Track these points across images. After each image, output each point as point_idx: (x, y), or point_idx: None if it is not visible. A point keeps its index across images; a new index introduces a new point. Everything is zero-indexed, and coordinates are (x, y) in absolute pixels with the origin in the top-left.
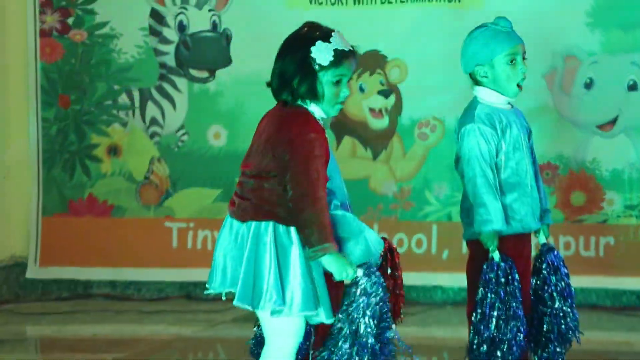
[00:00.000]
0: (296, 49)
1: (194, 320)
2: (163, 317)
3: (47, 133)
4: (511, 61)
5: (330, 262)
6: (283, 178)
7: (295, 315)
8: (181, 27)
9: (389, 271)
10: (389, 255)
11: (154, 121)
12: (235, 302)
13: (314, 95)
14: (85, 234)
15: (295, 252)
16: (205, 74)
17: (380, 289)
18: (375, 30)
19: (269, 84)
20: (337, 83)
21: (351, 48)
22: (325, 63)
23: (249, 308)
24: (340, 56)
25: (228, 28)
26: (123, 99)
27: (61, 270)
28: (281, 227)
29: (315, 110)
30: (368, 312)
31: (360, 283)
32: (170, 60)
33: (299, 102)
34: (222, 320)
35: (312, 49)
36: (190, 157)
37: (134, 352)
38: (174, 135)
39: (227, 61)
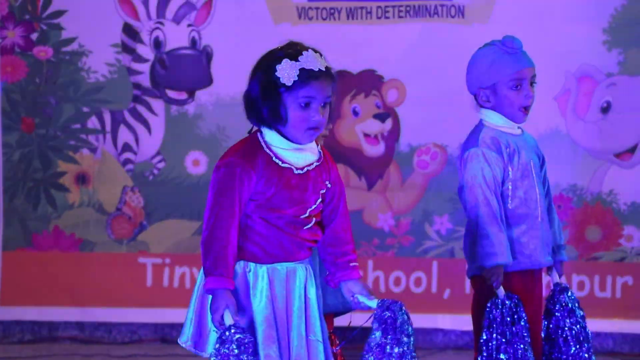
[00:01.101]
0: (263, 68)
1: None
2: None
3: (8, 159)
4: (516, 86)
5: (211, 299)
6: None
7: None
8: (157, 44)
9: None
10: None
11: (126, 147)
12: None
13: (278, 118)
14: (50, 271)
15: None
16: (183, 96)
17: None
18: (370, 47)
19: None
20: (306, 106)
21: (323, 69)
22: (289, 83)
23: (185, 346)
24: (307, 76)
25: (209, 45)
26: (93, 122)
27: (24, 311)
28: None
29: (274, 138)
30: None
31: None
32: (145, 80)
33: (265, 127)
34: None
35: (277, 67)
36: (166, 186)
37: None
38: (149, 162)
39: (208, 81)
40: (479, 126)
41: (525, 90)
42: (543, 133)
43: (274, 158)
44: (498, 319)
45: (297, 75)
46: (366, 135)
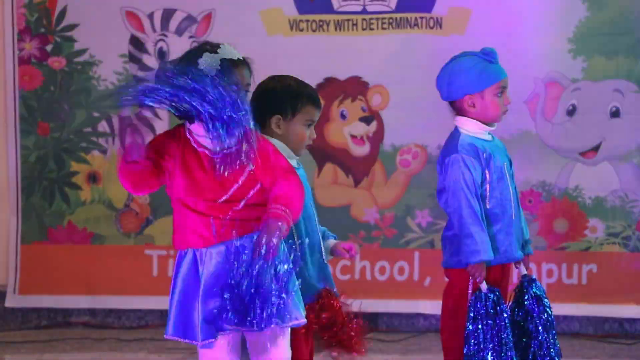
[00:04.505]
0: (184, 66)
1: (175, 349)
2: (143, 344)
3: (26, 160)
4: (500, 93)
5: None
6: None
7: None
8: (161, 54)
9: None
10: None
11: None
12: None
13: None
14: (64, 262)
15: (177, 277)
16: None
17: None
18: (356, 56)
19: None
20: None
21: (242, 58)
22: (212, 73)
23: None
24: (229, 65)
25: None
26: (103, 126)
27: (40, 299)
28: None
29: (200, 128)
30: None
31: None
32: None
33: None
34: None
35: (200, 61)
36: None
37: None
38: None
39: None
40: (456, 133)
41: (505, 96)
42: (515, 134)
43: (191, 142)
44: (482, 312)
45: (219, 65)
46: (353, 136)
